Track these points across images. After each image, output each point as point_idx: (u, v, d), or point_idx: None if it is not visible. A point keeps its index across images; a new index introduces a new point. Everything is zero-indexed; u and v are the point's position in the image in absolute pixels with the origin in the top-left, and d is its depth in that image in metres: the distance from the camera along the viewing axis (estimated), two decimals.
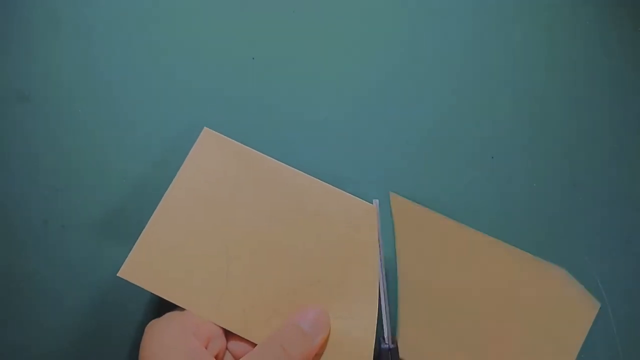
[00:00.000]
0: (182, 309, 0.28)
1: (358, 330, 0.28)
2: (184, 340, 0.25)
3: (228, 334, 0.28)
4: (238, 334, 0.28)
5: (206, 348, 0.26)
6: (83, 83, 0.33)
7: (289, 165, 0.30)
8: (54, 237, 0.32)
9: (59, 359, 0.32)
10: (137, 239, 0.29)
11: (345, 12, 0.33)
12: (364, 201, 0.30)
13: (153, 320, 0.27)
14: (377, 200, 0.30)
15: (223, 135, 0.30)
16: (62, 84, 0.33)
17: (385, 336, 0.29)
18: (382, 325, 0.29)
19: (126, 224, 0.32)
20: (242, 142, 0.33)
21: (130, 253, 0.28)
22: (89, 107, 0.33)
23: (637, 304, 0.32)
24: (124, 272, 0.27)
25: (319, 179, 0.30)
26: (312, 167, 0.33)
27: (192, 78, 0.33)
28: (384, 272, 0.29)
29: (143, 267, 0.27)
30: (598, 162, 0.33)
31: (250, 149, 0.30)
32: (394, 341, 0.29)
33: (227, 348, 0.28)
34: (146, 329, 0.26)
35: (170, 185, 0.29)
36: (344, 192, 0.30)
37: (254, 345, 0.28)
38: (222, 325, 0.28)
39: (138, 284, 0.27)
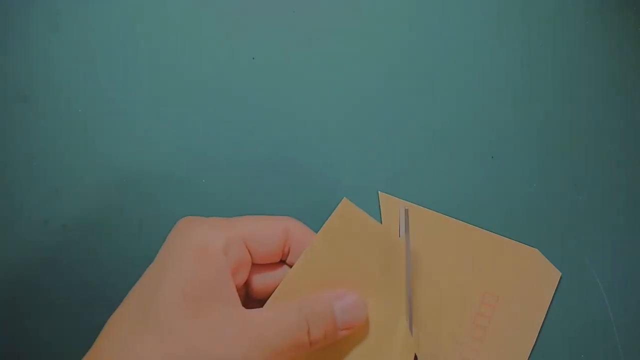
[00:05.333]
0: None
1: None
2: (211, 253, 0.22)
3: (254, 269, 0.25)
4: None
5: (232, 274, 0.23)
6: (83, 83, 0.33)
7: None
8: (54, 237, 0.32)
9: (58, 358, 0.32)
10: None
11: (345, 12, 0.33)
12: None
13: (186, 218, 0.24)
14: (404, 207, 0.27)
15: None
16: (62, 84, 0.33)
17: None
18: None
19: (126, 224, 0.32)
20: (242, 142, 0.33)
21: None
22: (88, 107, 0.33)
23: (637, 304, 0.32)
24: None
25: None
26: (312, 167, 0.33)
27: (192, 78, 0.33)
28: (409, 279, 0.26)
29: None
30: (598, 162, 0.33)
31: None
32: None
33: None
34: (176, 226, 0.24)
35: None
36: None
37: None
38: None
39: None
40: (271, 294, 0.25)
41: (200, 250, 0.22)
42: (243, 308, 0.23)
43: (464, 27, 0.33)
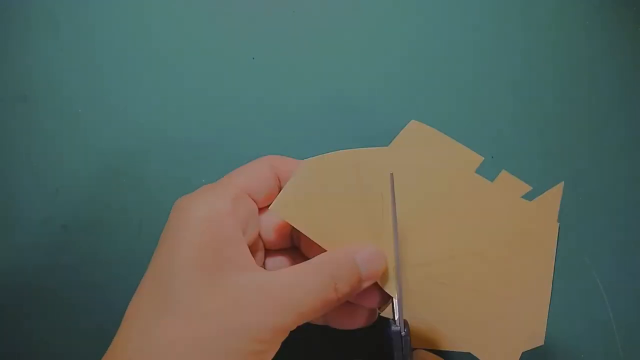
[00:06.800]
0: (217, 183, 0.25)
1: (518, 314, 0.27)
2: (217, 219, 0.22)
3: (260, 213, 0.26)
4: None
5: (244, 232, 0.23)
6: (83, 83, 0.33)
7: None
8: (54, 237, 0.32)
9: (58, 358, 0.32)
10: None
11: (345, 12, 0.33)
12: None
13: (183, 196, 0.24)
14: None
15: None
16: (62, 84, 0.33)
17: (396, 317, 0.26)
18: (393, 304, 0.26)
19: (126, 224, 0.32)
20: (242, 142, 0.33)
21: (284, 188, 0.26)
22: (89, 107, 0.33)
23: (637, 304, 0.32)
24: (275, 206, 0.25)
25: None
26: None
27: (192, 78, 0.33)
28: (397, 234, 0.26)
29: (294, 203, 0.25)
30: (599, 163, 0.33)
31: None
32: (406, 325, 0.26)
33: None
34: (175, 205, 0.23)
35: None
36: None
37: (285, 231, 0.26)
38: None
39: (287, 220, 0.25)
40: (280, 232, 0.26)
41: (206, 219, 0.22)
42: (262, 270, 0.22)
43: (464, 28, 0.33)
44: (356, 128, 0.33)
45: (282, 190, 0.25)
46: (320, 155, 0.26)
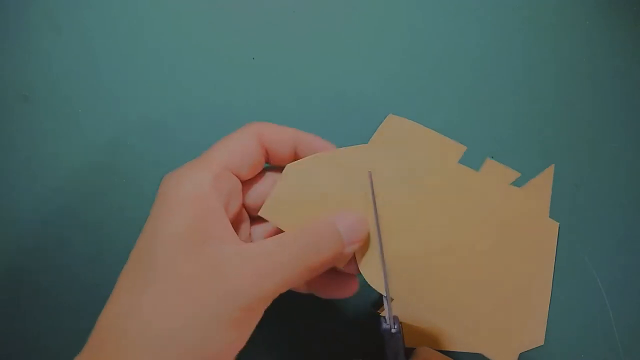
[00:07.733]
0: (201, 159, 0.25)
1: (518, 314, 0.27)
2: (200, 195, 0.22)
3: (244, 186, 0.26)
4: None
5: (226, 208, 0.23)
6: (83, 83, 0.33)
7: None
8: (54, 237, 0.32)
9: (58, 358, 0.32)
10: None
11: (345, 12, 0.33)
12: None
13: (169, 173, 0.24)
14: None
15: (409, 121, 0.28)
16: (62, 84, 0.33)
17: (387, 317, 0.26)
18: (384, 301, 0.26)
19: (126, 224, 0.32)
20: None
21: (271, 193, 0.26)
22: (89, 107, 0.33)
23: (637, 304, 0.32)
24: (264, 211, 0.26)
25: None
26: None
27: (192, 78, 0.33)
28: (379, 226, 0.26)
29: (282, 207, 0.26)
30: (598, 162, 0.33)
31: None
32: (396, 321, 0.25)
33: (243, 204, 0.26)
34: (161, 182, 0.23)
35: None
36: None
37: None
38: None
39: (276, 224, 0.26)
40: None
41: (189, 196, 0.22)
42: (244, 243, 0.23)
43: (464, 28, 0.33)
44: (356, 128, 0.33)
45: (269, 195, 0.26)
46: (303, 158, 0.26)
